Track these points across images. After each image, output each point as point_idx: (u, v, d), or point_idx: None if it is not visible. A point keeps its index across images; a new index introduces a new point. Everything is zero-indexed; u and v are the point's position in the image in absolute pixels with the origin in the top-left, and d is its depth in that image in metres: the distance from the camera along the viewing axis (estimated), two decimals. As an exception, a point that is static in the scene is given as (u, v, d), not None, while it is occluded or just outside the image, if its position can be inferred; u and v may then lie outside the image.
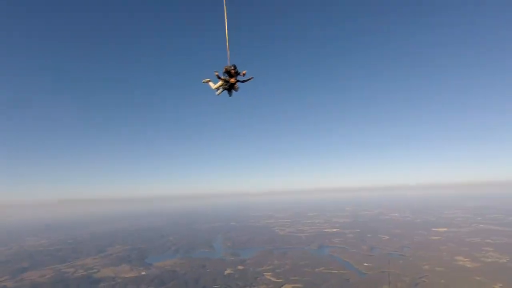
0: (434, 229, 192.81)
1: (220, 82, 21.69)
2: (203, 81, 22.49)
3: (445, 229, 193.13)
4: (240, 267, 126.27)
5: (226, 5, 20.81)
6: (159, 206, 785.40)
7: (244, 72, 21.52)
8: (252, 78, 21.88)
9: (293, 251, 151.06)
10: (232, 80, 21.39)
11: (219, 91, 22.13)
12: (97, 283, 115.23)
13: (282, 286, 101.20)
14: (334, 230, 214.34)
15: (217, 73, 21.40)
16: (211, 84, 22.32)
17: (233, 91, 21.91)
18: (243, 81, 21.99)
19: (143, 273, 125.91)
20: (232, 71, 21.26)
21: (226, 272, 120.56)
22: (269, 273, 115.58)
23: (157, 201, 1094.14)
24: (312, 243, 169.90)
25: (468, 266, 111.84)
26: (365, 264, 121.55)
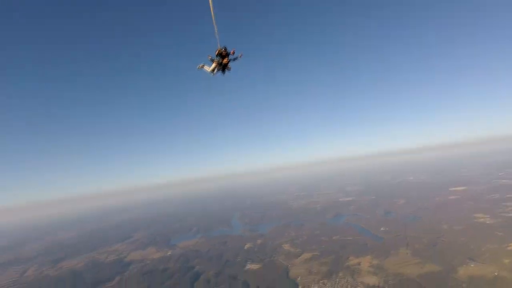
0: (451, 189, 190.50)
1: (214, 64, 23.57)
2: (198, 67, 24.32)
3: (463, 187, 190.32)
4: (259, 241, 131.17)
5: None
6: (172, 192, 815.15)
7: (233, 50, 23.21)
8: (241, 54, 23.44)
9: (309, 223, 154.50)
10: (225, 60, 23.24)
11: (214, 72, 23.96)
12: (128, 265, 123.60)
13: (300, 255, 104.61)
14: (349, 199, 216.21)
15: (210, 57, 23.38)
16: (206, 68, 24.21)
17: (226, 71, 23.87)
18: (234, 59, 23.77)
19: (169, 253, 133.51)
20: (224, 52, 23.18)
21: (246, 246, 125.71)
22: (287, 244, 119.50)
23: (170, 188, 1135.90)
24: (327, 213, 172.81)
25: (488, 222, 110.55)
26: (381, 229, 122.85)
